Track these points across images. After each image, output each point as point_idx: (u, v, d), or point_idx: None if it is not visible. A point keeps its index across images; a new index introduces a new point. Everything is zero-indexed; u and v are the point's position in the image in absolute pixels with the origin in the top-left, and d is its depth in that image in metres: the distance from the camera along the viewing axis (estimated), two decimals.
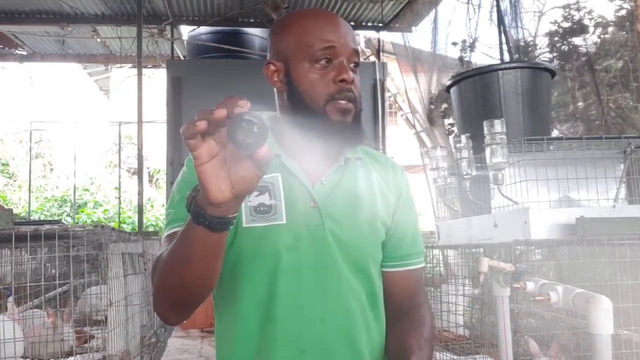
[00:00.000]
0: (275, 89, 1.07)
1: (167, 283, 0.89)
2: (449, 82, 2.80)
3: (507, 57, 3.54)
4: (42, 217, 9.73)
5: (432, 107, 4.87)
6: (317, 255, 1.00)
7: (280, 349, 0.98)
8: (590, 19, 4.16)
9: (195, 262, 0.84)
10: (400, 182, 1.13)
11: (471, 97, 2.62)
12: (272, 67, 1.06)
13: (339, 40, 1.02)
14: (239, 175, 0.73)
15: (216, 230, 0.79)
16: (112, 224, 8.25)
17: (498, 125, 2.10)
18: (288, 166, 1.03)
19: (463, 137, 2.37)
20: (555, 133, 4.06)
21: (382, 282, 1.11)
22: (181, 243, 0.84)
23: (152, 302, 0.95)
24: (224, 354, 1.04)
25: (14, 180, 11.71)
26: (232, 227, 1.01)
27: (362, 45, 7.47)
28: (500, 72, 2.52)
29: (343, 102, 1.00)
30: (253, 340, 1.00)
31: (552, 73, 2.65)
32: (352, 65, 1.03)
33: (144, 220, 5.30)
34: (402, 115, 10.06)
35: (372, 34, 7.07)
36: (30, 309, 3.13)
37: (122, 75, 8.44)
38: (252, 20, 6.38)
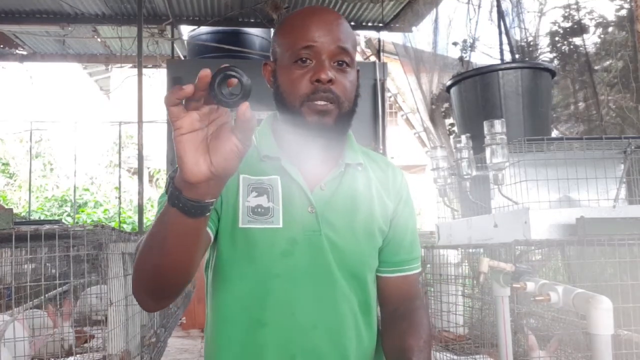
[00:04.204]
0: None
1: (143, 267, 0.87)
2: (449, 82, 2.80)
3: (507, 57, 3.53)
4: (42, 217, 9.73)
5: (434, 107, 4.86)
6: (312, 261, 0.99)
7: (270, 354, 0.98)
8: (591, 19, 4.16)
9: (170, 247, 0.81)
10: (400, 187, 1.12)
11: (471, 97, 2.62)
12: (268, 67, 1.07)
13: (321, 38, 0.98)
14: (219, 151, 0.70)
15: (190, 214, 0.75)
16: (113, 224, 8.24)
17: (498, 126, 2.09)
18: (288, 170, 1.02)
19: (463, 137, 2.37)
20: (555, 133, 4.06)
21: (379, 286, 1.10)
22: (158, 226, 0.82)
23: (131, 286, 0.92)
24: (212, 355, 1.03)
25: (14, 180, 11.71)
26: (228, 227, 0.99)
27: (362, 45, 7.47)
28: (500, 72, 2.52)
29: (320, 102, 0.97)
30: (242, 344, 0.99)
31: (553, 73, 2.65)
32: (336, 64, 0.99)
33: (144, 220, 5.29)
34: (402, 116, 10.07)
35: (372, 34, 7.06)
36: (30, 308, 3.13)
37: (123, 75, 8.44)
38: (252, 20, 6.38)
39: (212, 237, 1.00)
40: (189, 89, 0.67)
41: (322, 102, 0.97)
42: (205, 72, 0.67)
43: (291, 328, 0.98)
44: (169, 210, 0.77)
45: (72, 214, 9.96)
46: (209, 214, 0.78)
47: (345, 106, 1.00)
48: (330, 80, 0.97)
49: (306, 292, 0.99)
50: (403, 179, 1.14)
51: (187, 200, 0.74)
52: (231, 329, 1.00)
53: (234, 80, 0.67)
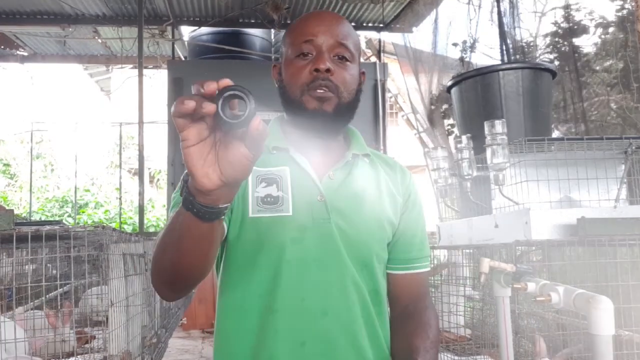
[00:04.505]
0: None
1: (160, 263, 0.89)
2: (449, 83, 2.80)
3: (507, 58, 3.53)
4: (43, 218, 9.74)
5: (433, 107, 4.87)
6: (322, 249, 1.00)
7: (280, 341, 0.98)
8: (591, 20, 4.16)
9: (185, 248, 0.82)
10: (408, 185, 1.14)
11: (472, 98, 2.62)
12: (276, 68, 1.12)
13: (320, 33, 1.03)
14: (228, 160, 0.69)
15: (204, 219, 0.75)
16: (113, 225, 8.25)
17: (499, 126, 2.09)
18: (296, 159, 1.04)
19: (464, 138, 2.36)
20: (556, 133, 4.06)
21: (390, 284, 1.11)
22: (173, 227, 0.83)
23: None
24: (223, 346, 1.04)
25: (15, 181, 11.72)
26: (238, 218, 1.00)
27: (362, 46, 7.47)
28: (501, 72, 2.51)
29: (319, 91, 1.01)
30: (254, 331, 1.00)
31: (553, 73, 2.65)
32: (336, 57, 1.04)
33: (145, 221, 5.31)
34: (402, 116, 10.06)
35: (373, 35, 7.07)
36: (31, 309, 3.14)
37: (123, 75, 8.44)
38: (252, 21, 6.39)
39: (227, 229, 1.02)
40: (190, 106, 0.65)
41: (321, 90, 1.01)
42: (211, 87, 0.65)
43: (301, 315, 0.99)
44: (184, 213, 0.77)
45: (73, 215, 9.97)
46: (223, 217, 0.78)
47: (344, 96, 1.03)
48: (328, 70, 1.01)
49: (316, 278, 1.00)
50: (411, 179, 1.16)
51: (201, 206, 0.74)
52: (243, 317, 1.01)
53: (237, 100, 0.65)
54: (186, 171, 0.80)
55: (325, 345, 0.99)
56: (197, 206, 0.74)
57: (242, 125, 0.66)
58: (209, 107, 0.64)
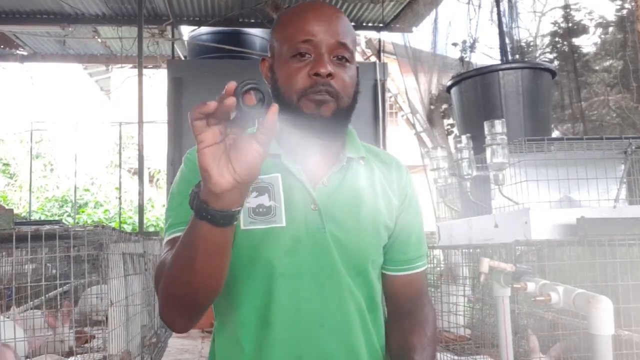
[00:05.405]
0: None
1: (173, 287, 0.87)
2: (449, 83, 2.80)
3: (507, 58, 3.53)
4: (43, 217, 9.73)
5: (432, 107, 4.87)
6: (317, 259, 0.97)
7: (277, 354, 0.96)
8: (591, 20, 4.17)
9: (200, 262, 0.81)
10: (405, 183, 1.10)
11: (472, 98, 2.62)
12: (265, 63, 1.06)
13: (320, 32, 0.97)
14: (241, 158, 0.74)
15: (219, 224, 0.78)
16: (113, 224, 8.24)
17: (499, 126, 2.10)
18: (288, 166, 1.00)
19: (464, 138, 2.37)
20: (556, 133, 4.06)
21: (386, 285, 1.09)
22: (185, 243, 0.83)
23: (159, 309, 0.93)
24: (220, 358, 1.02)
25: (15, 180, 11.72)
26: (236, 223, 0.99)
27: (362, 46, 7.47)
28: (501, 72, 2.51)
29: (318, 95, 0.96)
30: (250, 344, 0.97)
31: (553, 73, 2.65)
32: (335, 58, 0.98)
33: (145, 221, 5.30)
34: (402, 116, 10.07)
35: (372, 35, 7.07)
36: (30, 309, 3.14)
37: (123, 75, 8.44)
38: (252, 21, 6.38)
39: None
40: (212, 105, 0.71)
41: (320, 95, 0.96)
42: (232, 84, 0.71)
43: (297, 327, 0.96)
44: (197, 225, 0.79)
45: (72, 215, 9.97)
46: (236, 222, 0.81)
47: (344, 101, 0.99)
48: (329, 75, 0.96)
49: (312, 290, 0.97)
50: (408, 175, 1.12)
51: (216, 211, 0.77)
52: (239, 329, 0.99)
53: (252, 92, 0.73)
54: (196, 184, 0.81)
55: (322, 357, 0.97)
56: (212, 212, 0.77)
57: (263, 113, 0.73)
58: (230, 101, 0.70)
